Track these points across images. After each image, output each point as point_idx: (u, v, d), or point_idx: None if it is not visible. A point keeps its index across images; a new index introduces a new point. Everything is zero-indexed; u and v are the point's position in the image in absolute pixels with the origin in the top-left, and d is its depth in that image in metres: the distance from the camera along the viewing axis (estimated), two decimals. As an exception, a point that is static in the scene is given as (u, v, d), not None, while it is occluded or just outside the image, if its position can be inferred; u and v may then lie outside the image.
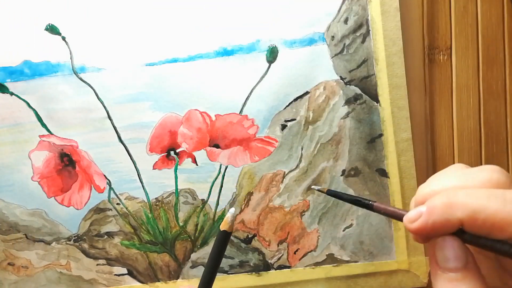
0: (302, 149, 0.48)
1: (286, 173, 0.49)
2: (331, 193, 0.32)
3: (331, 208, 0.49)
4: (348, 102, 0.48)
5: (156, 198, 0.49)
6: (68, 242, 0.50)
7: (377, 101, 0.48)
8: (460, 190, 0.22)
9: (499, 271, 0.25)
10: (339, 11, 0.47)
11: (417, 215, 0.23)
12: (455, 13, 0.48)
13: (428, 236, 0.23)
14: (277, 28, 0.47)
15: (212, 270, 0.33)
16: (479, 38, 0.48)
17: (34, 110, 0.48)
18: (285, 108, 0.48)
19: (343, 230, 0.49)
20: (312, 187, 0.33)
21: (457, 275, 0.22)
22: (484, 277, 0.22)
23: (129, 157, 0.49)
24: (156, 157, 0.49)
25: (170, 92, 0.48)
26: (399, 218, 0.26)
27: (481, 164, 0.50)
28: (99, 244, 0.50)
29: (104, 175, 0.49)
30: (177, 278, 0.50)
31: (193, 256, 0.50)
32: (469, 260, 0.22)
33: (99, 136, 0.48)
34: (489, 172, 0.23)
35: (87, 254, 0.50)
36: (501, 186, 0.22)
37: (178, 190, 0.49)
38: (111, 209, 0.49)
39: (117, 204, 0.49)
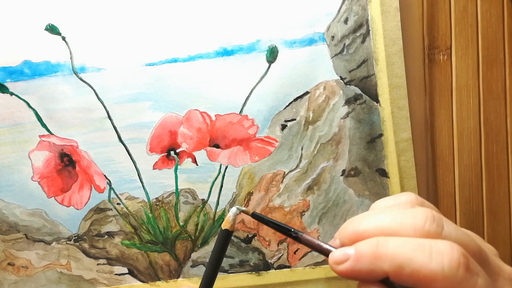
0: (302, 149, 0.48)
1: (286, 173, 0.49)
2: (256, 216, 0.30)
3: (331, 208, 0.49)
4: (348, 102, 0.48)
5: (156, 198, 0.49)
6: (68, 242, 0.50)
7: (377, 101, 0.48)
8: (390, 238, 0.22)
9: None
10: (339, 11, 0.47)
11: (343, 257, 0.23)
12: (455, 13, 0.48)
13: (353, 279, 0.23)
14: (277, 28, 0.47)
15: (213, 268, 0.33)
16: (479, 38, 0.48)
17: (34, 110, 0.48)
18: (285, 108, 0.48)
19: (343, 230, 0.49)
20: (237, 207, 0.32)
21: None
22: None
23: (129, 157, 0.49)
24: (156, 157, 0.49)
25: (170, 92, 0.48)
26: (325, 254, 0.25)
27: (481, 164, 0.50)
28: (100, 244, 0.50)
29: (104, 175, 0.49)
30: (178, 277, 0.50)
31: (194, 255, 0.50)
32: None
33: (99, 136, 0.48)
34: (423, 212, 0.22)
35: (87, 254, 0.50)
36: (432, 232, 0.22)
37: (178, 190, 0.49)
38: (111, 209, 0.49)
39: (118, 204, 0.49)
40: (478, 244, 0.22)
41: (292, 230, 0.27)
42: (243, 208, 0.31)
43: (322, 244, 0.25)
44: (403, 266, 0.21)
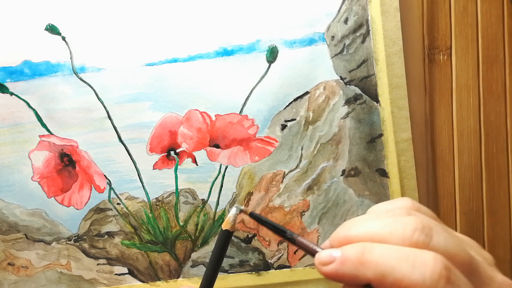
0: (302, 149, 0.48)
1: (286, 173, 0.49)
2: (253, 216, 0.30)
3: (331, 208, 0.49)
4: (348, 102, 0.48)
5: (156, 198, 0.49)
6: (68, 242, 0.50)
7: (377, 101, 0.48)
8: (377, 245, 0.22)
9: None
10: (339, 11, 0.47)
11: (329, 259, 0.23)
12: (455, 13, 0.48)
13: (336, 281, 0.24)
14: (277, 28, 0.47)
15: (214, 269, 0.33)
16: (479, 38, 0.48)
17: (34, 110, 0.48)
18: (285, 108, 0.48)
19: (343, 230, 0.49)
20: (236, 206, 0.32)
21: None
22: None
23: (129, 157, 0.49)
24: (156, 157, 0.49)
25: (170, 92, 0.48)
26: (312, 253, 0.25)
27: (481, 164, 0.50)
28: (100, 244, 0.50)
29: (104, 175, 0.49)
30: (178, 277, 0.50)
31: (194, 255, 0.50)
32: None
33: (99, 136, 0.48)
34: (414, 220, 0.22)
35: (87, 254, 0.50)
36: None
37: (178, 190, 0.49)
38: (111, 209, 0.49)
39: (118, 204, 0.49)
40: (468, 254, 0.22)
41: (287, 232, 0.28)
42: (242, 207, 0.31)
43: (313, 246, 0.26)
44: (386, 275, 0.21)
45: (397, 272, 0.21)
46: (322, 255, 0.24)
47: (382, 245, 0.22)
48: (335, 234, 0.25)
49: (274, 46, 0.47)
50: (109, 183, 0.49)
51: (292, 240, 0.27)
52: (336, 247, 0.24)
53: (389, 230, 0.23)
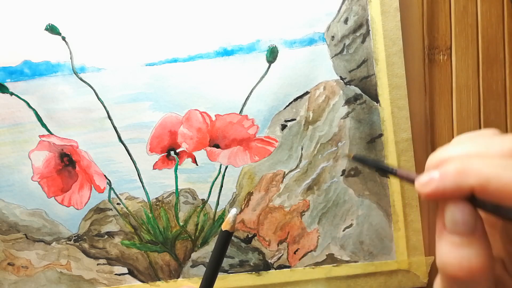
0: (302, 149, 0.48)
1: (286, 173, 0.49)
2: (356, 158, 0.37)
3: (331, 208, 0.49)
4: (348, 102, 0.48)
5: (156, 198, 0.49)
6: (68, 242, 0.50)
7: (377, 101, 0.48)
8: (476, 157, 0.22)
9: (505, 241, 0.25)
10: (339, 11, 0.47)
11: (429, 179, 0.23)
12: (455, 13, 0.48)
13: (439, 201, 0.23)
14: (277, 28, 0.47)
15: (214, 269, 0.33)
16: (479, 38, 0.48)
17: (34, 110, 0.48)
18: (285, 108, 0.48)
19: (343, 230, 0.49)
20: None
21: (463, 240, 0.22)
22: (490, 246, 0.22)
23: (129, 157, 0.49)
24: (156, 157, 0.49)
25: (170, 92, 0.48)
26: (412, 181, 0.25)
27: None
28: (100, 244, 0.50)
29: (104, 175, 0.49)
30: (178, 277, 0.50)
31: (194, 255, 0.50)
32: (477, 228, 0.22)
33: (99, 136, 0.48)
34: None
35: (87, 254, 0.50)
36: None
37: (178, 190, 0.49)
38: (111, 209, 0.49)
39: (117, 204, 0.49)
40: None
41: (389, 168, 0.30)
42: (345, 153, 0.36)
43: (410, 174, 0.27)
44: (490, 180, 0.20)
45: (503, 178, 0.20)
46: (422, 178, 0.23)
47: (481, 157, 0.22)
48: (430, 159, 0.24)
49: (274, 46, 0.47)
50: (109, 183, 0.49)
51: (393, 173, 0.29)
52: None
53: (485, 147, 0.22)
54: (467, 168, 0.21)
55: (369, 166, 0.32)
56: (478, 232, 0.22)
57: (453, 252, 0.22)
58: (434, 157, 0.24)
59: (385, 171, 0.29)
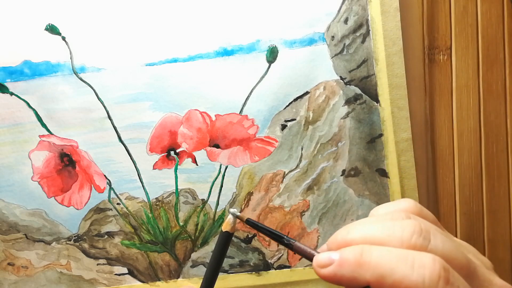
0: (302, 149, 0.48)
1: (286, 173, 0.49)
2: (250, 223, 0.30)
3: (331, 208, 0.49)
4: (348, 102, 0.48)
5: (156, 198, 0.49)
6: (68, 242, 0.50)
7: (377, 101, 0.48)
8: (375, 247, 0.22)
9: None
10: (339, 11, 0.47)
11: (327, 261, 0.23)
12: (455, 13, 0.48)
13: (335, 284, 0.23)
14: (277, 28, 0.47)
15: (214, 270, 0.33)
16: (479, 38, 0.48)
17: (34, 110, 0.48)
18: (285, 108, 0.48)
19: (343, 230, 0.49)
20: (231, 210, 0.32)
21: None
22: None
23: (129, 157, 0.49)
24: (156, 157, 0.49)
25: (170, 92, 0.48)
26: (310, 258, 0.25)
27: (481, 164, 0.50)
28: (100, 244, 0.50)
29: (104, 175, 0.49)
30: (178, 277, 0.50)
31: (194, 255, 0.50)
32: None
33: (99, 136, 0.48)
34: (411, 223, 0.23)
35: (87, 254, 0.50)
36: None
37: (178, 190, 0.49)
38: (111, 209, 0.49)
39: (117, 204, 0.49)
40: (466, 257, 0.22)
41: (285, 237, 0.28)
42: (238, 214, 0.31)
43: (311, 251, 0.26)
44: (385, 276, 0.21)
45: (396, 273, 0.21)
46: (320, 257, 0.24)
47: (380, 247, 0.22)
48: (333, 237, 0.25)
49: (274, 46, 0.47)
50: (109, 183, 0.49)
51: (289, 246, 0.27)
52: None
53: (387, 233, 0.23)
54: (365, 261, 0.22)
55: (263, 233, 0.29)
56: None
57: None
58: (337, 236, 0.24)
59: (280, 241, 0.28)
